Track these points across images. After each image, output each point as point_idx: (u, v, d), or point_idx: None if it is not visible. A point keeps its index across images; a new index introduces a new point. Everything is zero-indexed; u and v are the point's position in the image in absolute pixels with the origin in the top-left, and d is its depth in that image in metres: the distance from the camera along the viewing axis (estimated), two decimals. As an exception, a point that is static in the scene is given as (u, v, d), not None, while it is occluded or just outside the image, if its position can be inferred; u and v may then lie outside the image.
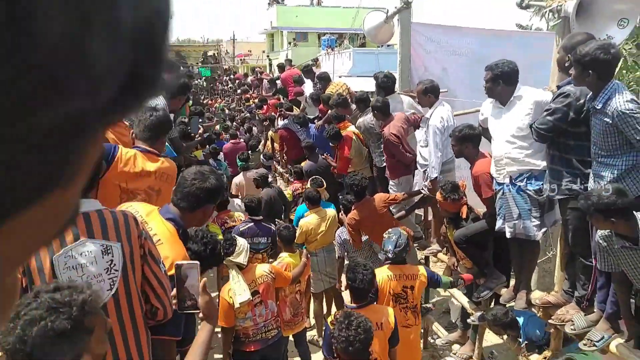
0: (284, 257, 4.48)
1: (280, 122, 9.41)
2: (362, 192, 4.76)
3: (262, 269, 3.90)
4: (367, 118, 5.69)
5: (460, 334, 4.85)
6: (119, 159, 2.58)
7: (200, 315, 1.76)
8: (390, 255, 3.75)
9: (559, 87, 3.28)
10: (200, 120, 9.19)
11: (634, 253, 2.66)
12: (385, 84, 5.56)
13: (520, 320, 3.83)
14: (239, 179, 7.14)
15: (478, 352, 4.49)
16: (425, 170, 4.71)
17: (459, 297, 4.74)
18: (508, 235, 3.59)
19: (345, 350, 2.57)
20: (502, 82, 3.48)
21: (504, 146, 3.50)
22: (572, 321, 3.13)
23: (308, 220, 5.31)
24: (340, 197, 5.37)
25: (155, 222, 2.07)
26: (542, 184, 3.40)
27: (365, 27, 7.81)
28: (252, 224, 4.88)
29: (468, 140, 3.92)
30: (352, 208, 4.85)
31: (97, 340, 1.38)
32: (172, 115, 4.48)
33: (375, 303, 3.50)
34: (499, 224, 3.66)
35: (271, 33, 36.76)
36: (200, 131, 7.98)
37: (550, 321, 3.34)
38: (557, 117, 3.07)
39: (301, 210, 5.77)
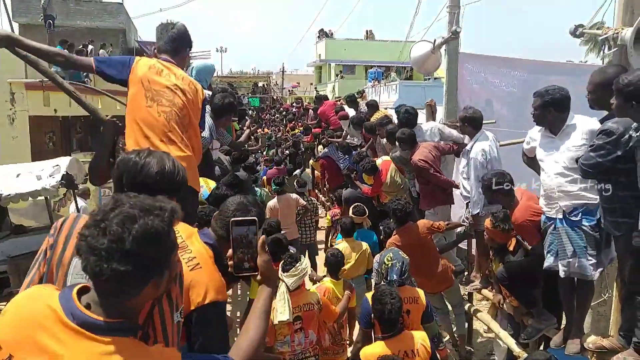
0: (325, 282, 4.37)
1: (321, 151, 9.44)
2: (404, 218, 4.62)
3: (311, 297, 3.79)
4: (399, 152, 5.66)
5: (506, 378, 4.54)
6: (138, 63, 2.74)
7: (258, 277, 1.56)
8: (396, 285, 3.63)
9: (601, 122, 3.08)
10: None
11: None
12: (407, 120, 5.57)
13: (569, 368, 3.52)
14: (273, 202, 7.12)
15: (524, 399, 4.16)
16: (469, 202, 4.55)
17: (505, 339, 4.44)
18: (562, 274, 3.33)
19: None
20: (553, 109, 3.30)
21: (556, 179, 3.29)
22: (630, 370, 2.84)
23: (339, 247, 5.20)
24: (381, 225, 5.24)
25: (194, 244, 2.04)
26: (599, 219, 3.16)
27: (411, 56, 7.79)
28: None
29: (497, 191, 3.75)
30: (394, 233, 4.71)
31: (176, 259, 1.30)
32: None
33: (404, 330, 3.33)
34: (550, 261, 3.42)
35: (319, 65, 37.51)
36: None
37: (605, 369, 3.06)
38: (600, 154, 2.86)
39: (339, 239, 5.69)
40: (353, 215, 5.70)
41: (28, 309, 1.21)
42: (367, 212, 5.81)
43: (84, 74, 13.06)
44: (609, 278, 4.20)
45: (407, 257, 3.78)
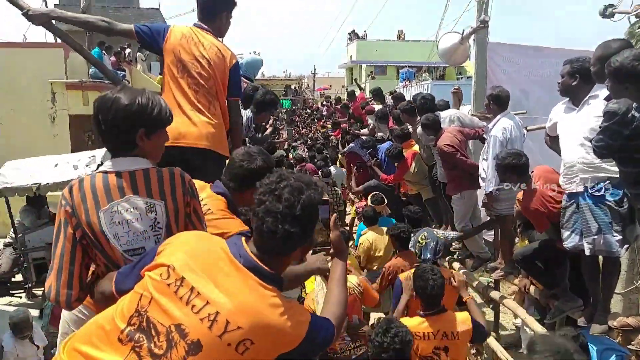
0: None
1: (347, 146, 9.46)
2: (405, 243, 4.35)
3: (350, 280, 3.69)
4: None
5: (531, 364, 4.43)
6: (172, 31, 2.81)
7: (331, 251, 1.72)
8: (431, 263, 3.61)
9: (606, 100, 3.00)
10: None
11: None
12: (423, 106, 5.58)
13: (594, 349, 3.42)
14: None
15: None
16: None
17: (531, 324, 4.35)
18: (587, 252, 3.25)
19: (378, 355, 2.56)
20: (580, 78, 3.23)
21: (576, 150, 3.22)
22: (656, 347, 2.75)
23: (367, 236, 5.23)
24: (404, 211, 5.23)
25: (208, 198, 2.09)
26: (624, 194, 3.07)
27: (439, 48, 7.73)
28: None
29: (510, 171, 3.68)
30: (395, 256, 4.52)
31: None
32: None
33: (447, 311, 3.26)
34: (575, 240, 3.33)
35: (350, 67, 37.49)
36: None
37: (629, 347, 2.96)
38: (608, 134, 2.76)
39: (361, 229, 5.74)
40: (371, 205, 5.71)
41: (203, 246, 1.44)
42: (386, 200, 5.80)
43: (122, 74, 13.52)
44: (640, 264, 4.07)
45: (441, 237, 3.74)
